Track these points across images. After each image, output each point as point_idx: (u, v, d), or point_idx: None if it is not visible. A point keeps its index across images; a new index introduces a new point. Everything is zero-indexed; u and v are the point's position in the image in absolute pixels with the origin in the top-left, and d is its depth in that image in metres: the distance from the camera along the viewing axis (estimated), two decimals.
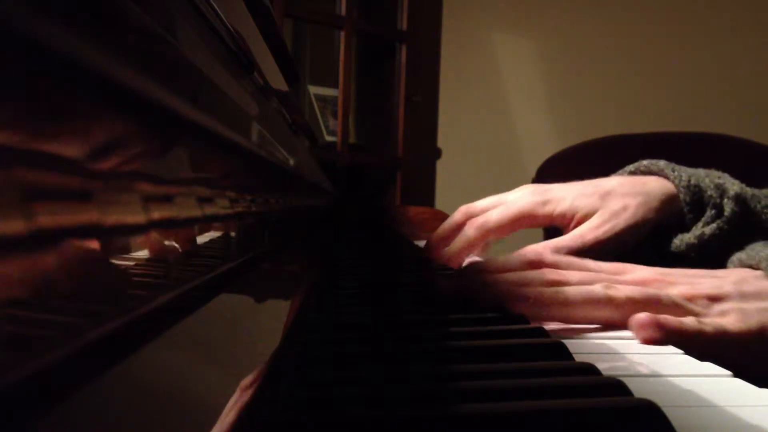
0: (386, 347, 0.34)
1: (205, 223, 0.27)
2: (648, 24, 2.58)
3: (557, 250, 0.64)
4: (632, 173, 0.75)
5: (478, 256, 0.89)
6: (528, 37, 2.58)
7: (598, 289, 0.46)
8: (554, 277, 0.49)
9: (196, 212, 0.25)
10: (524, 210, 0.73)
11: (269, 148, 0.46)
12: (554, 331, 0.43)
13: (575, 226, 0.71)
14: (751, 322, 0.45)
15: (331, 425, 0.22)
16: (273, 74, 0.52)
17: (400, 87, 2.14)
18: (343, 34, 1.97)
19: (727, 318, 0.45)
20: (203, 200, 0.27)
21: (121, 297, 0.18)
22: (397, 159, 2.15)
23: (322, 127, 2.18)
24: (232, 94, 0.32)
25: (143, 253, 0.19)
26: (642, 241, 0.67)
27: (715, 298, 0.47)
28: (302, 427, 0.22)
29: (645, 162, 0.75)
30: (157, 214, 0.20)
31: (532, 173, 1.95)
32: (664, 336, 0.41)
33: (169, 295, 0.21)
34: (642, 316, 0.42)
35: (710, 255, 0.60)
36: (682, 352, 0.38)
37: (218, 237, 0.30)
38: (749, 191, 0.68)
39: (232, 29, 0.34)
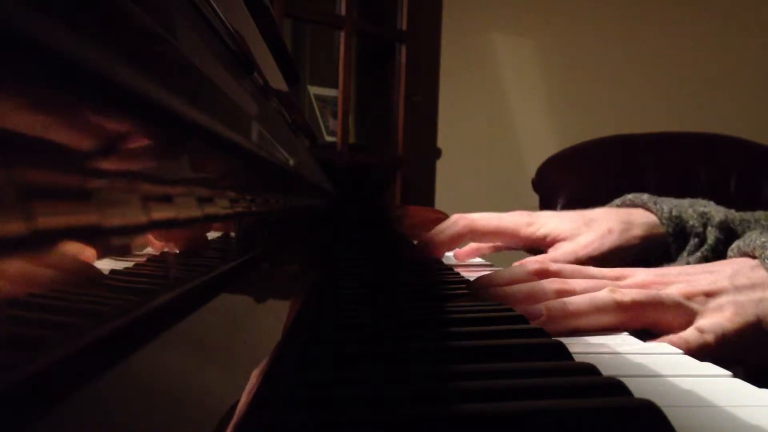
0: (386, 347, 0.34)
1: (205, 223, 0.27)
2: (648, 24, 2.58)
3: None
4: (618, 207, 0.79)
5: (480, 257, 0.91)
6: (528, 37, 2.58)
7: (604, 294, 0.46)
8: (561, 287, 0.49)
9: (196, 212, 0.25)
10: (509, 224, 0.77)
11: (269, 148, 0.46)
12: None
13: (557, 245, 0.73)
14: (747, 314, 0.47)
15: (331, 425, 0.22)
16: (273, 74, 0.52)
17: (400, 87, 2.14)
18: (343, 34, 1.97)
19: (724, 313, 0.47)
20: (203, 200, 0.27)
21: (121, 297, 0.18)
22: (397, 159, 2.15)
23: (322, 127, 2.18)
24: (232, 94, 0.32)
25: (143, 253, 0.19)
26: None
27: (711, 294, 0.49)
28: (302, 427, 0.22)
29: (629, 196, 0.79)
30: (157, 214, 0.20)
31: (532, 173, 1.94)
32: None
33: (169, 295, 0.21)
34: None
35: None
36: (681, 352, 0.38)
37: (218, 237, 0.30)
38: (737, 216, 0.70)
39: (232, 29, 0.34)
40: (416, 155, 2.19)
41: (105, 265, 0.16)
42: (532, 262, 0.56)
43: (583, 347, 0.39)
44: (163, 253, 0.21)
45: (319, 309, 0.45)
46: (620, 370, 0.34)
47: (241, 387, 0.21)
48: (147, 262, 0.19)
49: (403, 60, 2.13)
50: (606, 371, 0.28)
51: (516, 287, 0.50)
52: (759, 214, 0.70)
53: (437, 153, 2.32)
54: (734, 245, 0.57)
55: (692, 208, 0.71)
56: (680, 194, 0.77)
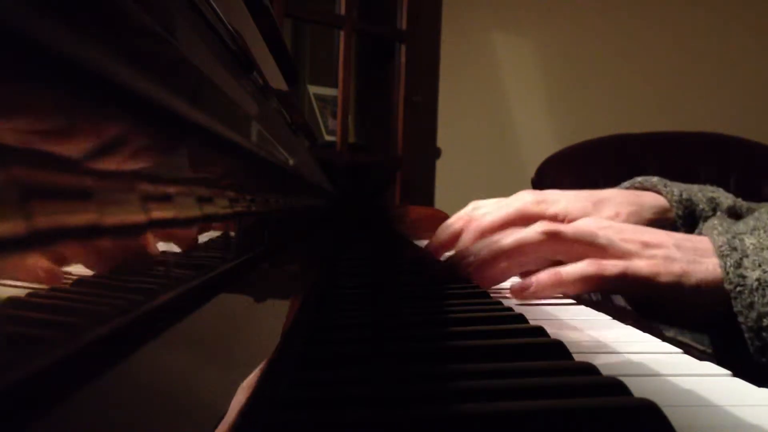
0: (386, 347, 0.34)
1: (205, 223, 0.27)
2: (648, 24, 2.58)
3: None
4: (627, 189, 0.78)
5: None
6: (528, 37, 2.58)
7: (532, 230, 0.53)
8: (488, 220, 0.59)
9: (196, 212, 0.25)
10: (517, 209, 0.75)
11: (269, 148, 0.46)
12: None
13: None
14: (673, 266, 0.51)
15: (331, 425, 0.22)
16: (273, 74, 0.52)
17: (400, 87, 2.14)
18: (343, 34, 1.97)
19: (651, 261, 0.51)
20: (203, 200, 0.27)
21: (121, 297, 0.18)
22: (397, 159, 2.15)
23: (322, 127, 2.18)
24: (232, 94, 0.32)
25: (143, 253, 0.19)
26: None
27: (648, 244, 0.53)
28: (302, 427, 0.22)
29: (639, 179, 0.78)
30: (157, 214, 0.20)
31: (532, 173, 1.95)
32: (538, 294, 0.49)
33: (169, 295, 0.21)
34: (513, 285, 0.51)
35: None
36: (681, 351, 0.38)
37: (218, 237, 0.30)
38: (745, 205, 0.70)
39: (232, 29, 0.34)
40: (416, 155, 2.19)
41: (105, 264, 0.16)
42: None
43: (582, 347, 0.39)
44: (162, 253, 0.21)
45: (319, 309, 0.45)
46: (620, 370, 0.34)
47: (240, 387, 0.21)
48: (147, 262, 0.19)
49: (403, 60, 2.13)
50: (606, 371, 0.28)
51: (461, 248, 0.56)
52: (765, 205, 0.70)
53: (437, 153, 2.32)
54: (696, 231, 0.62)
55: (701, 193, 0.71)
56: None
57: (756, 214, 0.60)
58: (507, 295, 0.55)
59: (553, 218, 0.73)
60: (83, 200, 0.15)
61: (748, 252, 0.52)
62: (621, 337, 0.43)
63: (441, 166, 2.35)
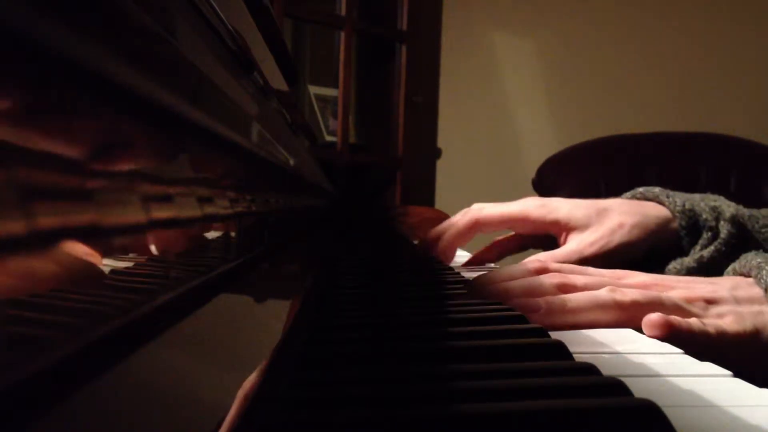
0: (386, 347, 0.34)
1: (205, 223, 0.27)
2: (648, 24, 2.58)
3: (556, 261, 0.65)
4: (629, 198, 0.77)
5: (489, 260, 0.89)
6: (528, 37, 2.58)
7: (604, 293, 0.47)
8: (561, 281, 0.50)
9: (196, 212, 0.25)
10: (519, 209, 0.75)
11: (269, 148, 0.45)
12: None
13: (567, 237, 0.72)
14: (747, 324, 0.47)
15: (331, 425, 0.22)
16: (273, 74, 0.52)
17: (400, 87, 2.14)
18: (343, 34, 1.97)
19: (725, 319, 0.47)
20: (203, 200, 0.27)
21: (120, 297, 0.18)
22: (397, 159, 2.15)
23: (322, 127, 2.18)
24: (232, 94, 0.32)
25: (143, 253, 0.19)
26: (638, 263, 0.68)
27: (711, 301, 0.49)
28: (302, 427, 0.22)
29: (640, 189, 0.77)
30: (157, 214, 0.20)
31: (532, 173, 1.95)
32: (673, 334, 0.43)
33: (169, 295, 0.21)
34: (654, 317, 0.44)
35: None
36: (681, 351, 0.38)
37: (218, 237, 0.30)
38: (746, 212, 0.69)
39: (232, 29, 0.34)
40: (416, 155, 2.19)
41: (105, 265, 0.16)
42: (533, 261, 0.56)
43: (583, 347, 0.39)
44: (163, 253, 0.21)
45: (319, 309, 0.45)
46: (620, 370, 0.34)
47: (240, 387, 0.21)
48: (147, 262, 0.19)
49: (403, 60, 2.13)
50: (606, 371, 0.28)
51: (515, 282, 0.50)
52: (766, 211, 0.70)
53: (437, 153, 2.32)
54: (730, 267, 0.57)
55: (704, 202, 0.70)
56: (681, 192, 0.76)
57: None
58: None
59: (554, 224, 0.73)
60: (83, 200, 0.15)
61: None
62: (621, 337, 0.43)
63: (441, 166, 2.35)
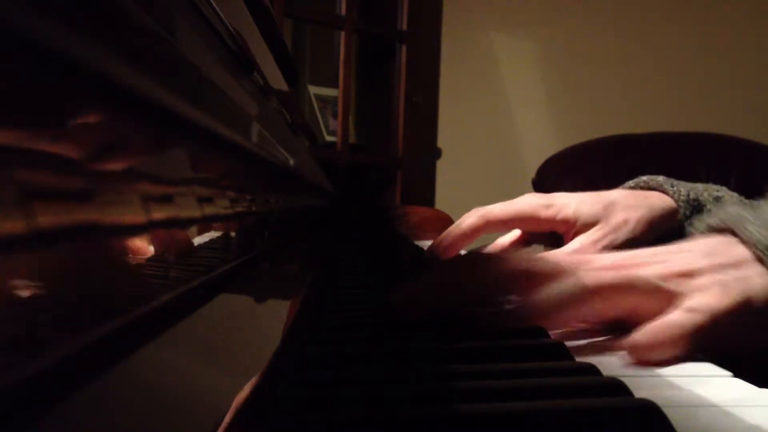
0: (386, 347, 0.34)
1: (205, 223, 0.27)
2: (648, 24, 2.58)
3: None
4: (632, 188, 0.76)
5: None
6: (528, 37, 2.58)
7: (569, 283, 0.42)
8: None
9: (196, 212, 0.25)
10: (527, 209, 0.74)
11: (269, 148, 0.45)
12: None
13: (575, 234, 0.72)
14: (734, 293, 0.41)
15: (331, 425, 0.22)
16: (273, 74, 0.52)
17: (400, 87, 2.14)
18: (343, 34, 1.97)
19: (710, 293, 0.41)
20: (203, 200, 0.27)
21: (121, 297, 0.17)
22: (397, 159, 2.15)
23: (322, 127, 2.18)
24: (232, 94, 0.32)
25: (143, 253, 0.19)
26: None
27: (688, 274, 0.43)
28: (302, 427, 0.22)
29: (644, 177, 0.76)
30: (157, 214, 0.20)
31: (532, 173, 1.94)
32: (662, 350, 0.38)
33: (169, 295, 0.21)
34: (638, 340, 0.38)
35: None
36: None
37: (218, 237, 0.30)
38: (748, 203, 0.69)
39: (232, 29, 0.34)
40: (416, 155, 2.19)
41: (105, 265, 0.16)
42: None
43: (583, 348, 0.39)
44: (163, 253, 0.21)
45: (319, 309, 0.45)
46: (620, 370, 0.34)
47: (241, 387, 0.21)
48: (147, 262, 0.19)
49: (403, 60, 2.13)
50: (606, 371, 0.28)
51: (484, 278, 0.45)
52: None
53: (437, 153, 2.32)
54: (701, 222, 0.51)
55: (707, 192, 0.70)
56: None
57: None
58: None
59: (563, 223, 0.73)
60: (83, 200, 0.15)
61: None
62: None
63: (441, 166, 2.35)
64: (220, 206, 0.30)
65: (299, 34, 2.42)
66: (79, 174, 0.15)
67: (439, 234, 0.82)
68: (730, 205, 0.51)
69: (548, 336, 0.36)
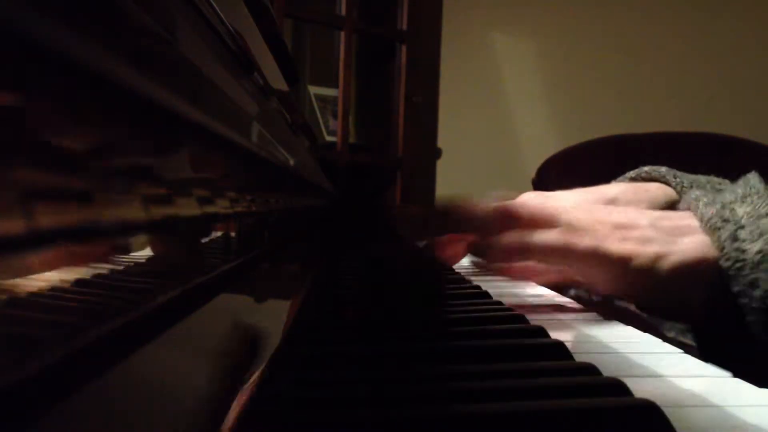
0: (386, 347, 0.34)
1: (206, 224, 0.27)
2: (648, 24, 2.58)
3: None
4: (633, 179, 0.76)
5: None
6: (528, 37, 2.58)
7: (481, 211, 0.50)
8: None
9: (196, 212, 0.25)
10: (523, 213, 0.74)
11: (269, 148, 0.45)
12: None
13: None
14: (647, 249, 0.46)
15: (331, 425, 0.22)
16: (273, 74, 0.52)
17: (400, 87, 2.14)
18: (343, 34, 1.97)
19: (622, 243, 0.46)
20: (203, 200, 0.27)
21: (121, 297, 0.17)
22: (397, 159, 2.15)
23: (322, 127, 2.18)
24: (232, 94, 0.32)
25: (143, 253, 0.19)
26: None
27: (621, 227, 0.48)
28: (302, 427, 0.22)
29: (646, 168, 0.75)
30: (157, 214, 0.20)
31: (532, 173, 1.95)
32: (501, 255, 0.48)
33: (169, 295, 0.21)
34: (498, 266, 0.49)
35: None
36: (681, 351, 0.38)
37: (218, 237, 0.30)
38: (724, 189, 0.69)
39: (232, 29, 0.34)
40: (416, 155, 2.19)
41: (105, 264, 0.16)
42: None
43: (583, 348, 0.39)
44: (163, 253, 0.21)
45: (319, 309, 0.45)
46: (620, 370, 0.34)
47: (241, 387, 0.21)
48: (147, 262, 0.19)
49: (403, 60, 2.13)
50: (606, 371, 0.28)
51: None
52: None
53: (437, 153, 2.32)
54: (682, 204, 0.56)
55: (710, 184, 0.70)
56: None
57: (741, 180, 0.54)
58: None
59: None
60: (83, 200, 0.15)
61: (743, 222, 0.46)
62: (621, 337, 0.43)
63: (441, 166, 2.35)
64: (220, 206, 0.30)
65: (299, 34, 2.42)
66: (79, 174, 0.15)
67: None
68: (696, 189, 0.55)
69: (548, 336, 0.36)
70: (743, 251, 0.44)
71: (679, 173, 0.72)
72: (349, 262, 0.83)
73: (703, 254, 0.46)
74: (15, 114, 0.12)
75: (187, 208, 0.24)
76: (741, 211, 0.46)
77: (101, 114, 0.16)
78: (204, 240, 0.27)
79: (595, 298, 0.64)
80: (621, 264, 0.46)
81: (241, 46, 0.36)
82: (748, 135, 1.93)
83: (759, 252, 0.43)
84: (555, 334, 0.36)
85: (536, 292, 0.61)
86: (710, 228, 0.46)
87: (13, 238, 0.11)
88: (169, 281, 0.22)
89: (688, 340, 0.58)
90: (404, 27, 2.13)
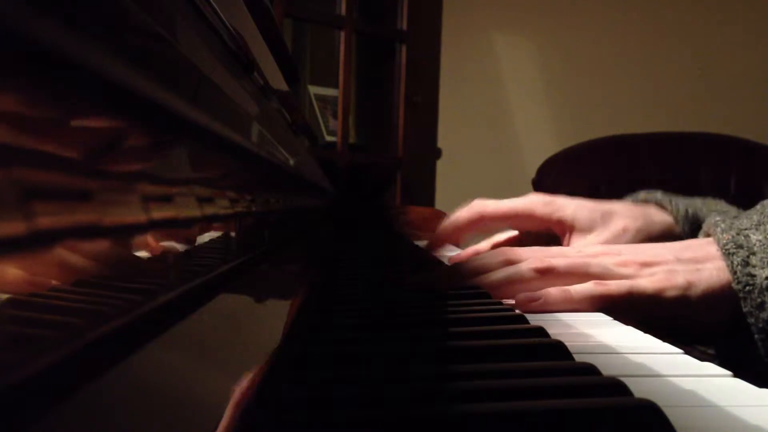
0: (386, 347, 0.34)
1: (205, 223, 0.27)
2: (648, 24, 2.58)
3: None
4: (632, 203, 0.77)
5: None
6: (528, 37, 2.58)
7: (521, 268, 0.52)
8: (508, 257, 0.54)
9: (196, 212, 0.25)
10: (525, 205, 0.74)
11: (269, 148, 0.45)
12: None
13: (571, 237, 0.72)
14: (676, 279, 0.50)
15: (331, 425, 0.22)
16: (273, 74, 0.52)
17: (400, 87, 2.14)
18: (343, 34, 1.97)
19: (651, 278, 0.50)
20: (203, 200, 0.27)
21: (121, 297, 0.18)
22: (397, 159, 2.15)
23: (322, 127, 2.18)
24: (232, 94, 0.32)
25: (143, 253, 0.19)
26: None
27: (648, 264, 0.51)
28: (302, 427, 0.22)
29: (642, 193, 0.77)
30: (157, 214, 0.20)
31: (532, 173, 1.95)
32: (541, 306, 0.48)
33: (169, 295, 0.21)
34: (522, 296, 0.49)
35: None
36: (682, 351, 0.38)
37: (218, 237, 0.30)
38: (738, 213, 0.70)
39: (232, 29, 0.34)
40: (416, 155, 2.19)
41: (105, 264, 0.16)
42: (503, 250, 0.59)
43: (583, 348, 0.39)
44: (163, 253, 0.21)
45: (319, 309, 0.45)
46: (620, 370, 0.34)
47: (241, 387, 0.21)
48: (147, 262, 0.19)
49: (403, 60, 2.13)
50: (606, 371, 0.28)
51: (495, 275, 0.55)
52: (763, 204, 0.70)
53: (437, 153, 2.32)
54: (701, 230, 0.59)
55: (706, 208, 0.71)
56: (681, 195, 0.76)
57: (758, 206, 0.58)
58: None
59: (558, 223, 0.73)
60: (84, 200, 0.15)
61: (755, 249, 0.50)
62: (621, 337, 0.43)
63: (441, 166, 2.35)
64: (220, 206, 0.30)
65: (299, 34, 2.42)
66: (79, 174, 0.15)
67: None
68: (715, 213, 0.58)
69: (548, 336, 0.36)
70: (753, 276, 0.49)
71: (674, 197, 0.74)
72: (349, 261, 0.83)
73: (720, 279, 0.50)
74: (15, 114, 0.12)
75: (187, 207, 0.24)
76: (754, 238, 0.51)
77: (101, 114, 0.16)
78: (204, 240, 0.27)
79: None
80: (655, 298, 0.49)
81: (241, 46, 0.36)
82: (748, 135, 1.93)
83: (767, 278, 0.48)
84: (555, 334, 0.36)
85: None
86: (725, 253, 0.51)
87: (13, 238, 0.11)
88: (169, 281, 0.22)
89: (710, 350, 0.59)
90: (404, 27, 2.13)
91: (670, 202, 0.72)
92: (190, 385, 0.19)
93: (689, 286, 0.50)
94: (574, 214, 0.72)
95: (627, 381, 0.26)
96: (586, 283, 0.50)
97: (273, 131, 0.47)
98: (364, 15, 2.18)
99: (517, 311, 0.45)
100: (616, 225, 0.70)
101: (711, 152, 1.82)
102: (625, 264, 0.51)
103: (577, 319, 0.49)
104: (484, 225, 0.78)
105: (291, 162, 0.60)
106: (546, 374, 0.28)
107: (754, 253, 0.50)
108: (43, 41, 0.12)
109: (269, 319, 0.33)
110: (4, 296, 0.11)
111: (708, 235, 0.56)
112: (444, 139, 2.35)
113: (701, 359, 0.36)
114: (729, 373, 0.33)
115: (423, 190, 2.28)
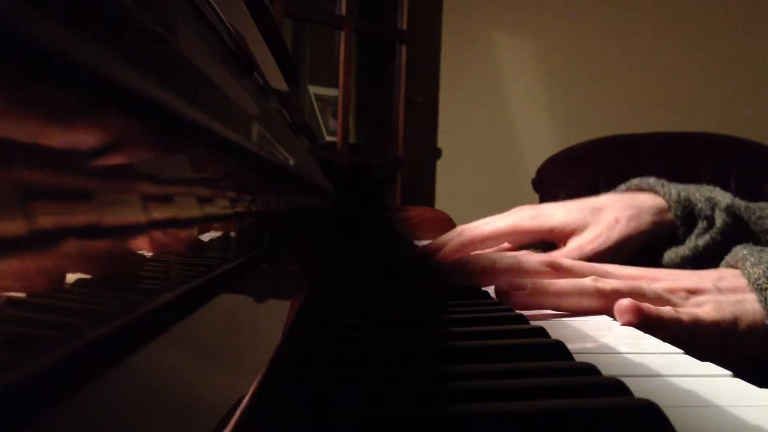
0: (386, 347, 0.34)
1: (205, 223, 0.27)
2: (648, 24, 2.58)
3: None
4: (622, 192, 0.78)
5: None
6: (528, 37, 2.58)
7: (588, 281, 0.50)
8: (548, 259, 0.53)
9: (196, 212, 0.25)
10: (512, 224, 0.75)
11: (269, 148, 0.45)
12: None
13: (567, 240, 0.72)
14: (725, 312, 0.50)
15: (331, 425, 0.22)
16: (273, 74, 0.52)
17: (400, 87, 2.14)
18: (343, 34, 1.97)
19: (704, 308, 0.50)
20: (203, 200, 0.27)
21: (121, 297, 0.17)
22: (397, 159, 2.15)
23: (322, 127, 2.18)
24: (232, 94, 0.32)
25: (143, 253, 0.19)
26: (636, 256, 0.69)
27: (693, 291, 0.52)
28: (302, 427, 0.22)
29: (635, 180, 0.78)
30: (157, 214, 0.20)
31: (532, 173, 1.94)
32: (643, 321, 0.46)
33: (169, 295, 0.21)
34: (624, 302, 0.47)
35: (704, 267, 0.62)
36: (681, 351, 0.38)
37: (218, 237, 0.30)
38: (743, 204, 0.70)
39: (232, 29, 0.34)
40: (416, 155, 2.19)
41: (105, 264, 0.16)
42: (541, 255, 0.59)
43: (583, 348, 0.39)
44: (163, 253, 0.21)
45: (319, 309, 0.45)
46: (620, 370, 0.34)
47: (240, 387, 0.21)
48: (147, 262, 0.19)
49: (403, 60, 2.13)
50: (606, 371, 0.28)
51: (503, 258, 0.55)
52: (762, 204, 0.71)
53: (437, 153, 2.32)
54: (724, 260, 0.59)
55: (699, 192, 0.71)
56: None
57: None
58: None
59: (550, 232, 0.74)
60: (83, 200, 0.15)
61: None
62: (621, 337, 0.43)
63: (441, 166, 2.35)
64: (220, 206, 0.30)
65: (299, 34, 2.42)
66: (79, 174, 0.15)
67: (439, 234, 0.82)
68: (742, 246, 0.59)
69: (548, 336, 0.36)
70: None
71: (667, 183, 0.74)
72: (349, 262, 0.83)
73: (759, 311, 0.51)
74: (15, 114, 0.12)
75: (187, 208, 0.24)
76: None
77: (101, 113, 0.16)
78: (204, 240, 0.27)
79: None
80: (713, 328, 0.49)
81: (241, 46, 0.36)
82: (748, 135, 1.93)
83: None
84: (555, 335, 0.36)
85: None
86: (757, 288, 0.52)
87: (13, 238, 0.11)
88: (169, 281, 0.22)
89: None
90: (404, 27, 2.13)
91: (663, 186, 0.73)
92: (190, 385, 0.19)
93: (736, 319, 0.50)
94: (564, 219, 0.73)
95: (627, 381, 0.26)
96: (664, 307, 0.49)
97: (273, 131, 0.47)
98: (364, 15, 2.18)
99: (517, 311, 0.45)
100: (608, 217, 0.71)
101: (711, 152, 1.81)
102: (672, 291, 0.52)
103: (577, 319, 0.49)
104: (474, 250, 0.78)
105: (291, 162, 0.60)
106: (546, 374, 0.28)
107: None
108: (43, 41, 0.12)
109: (269, 319, 0.33)
110: (4, 296, 0.11)
111: (730, 266, 0.56)
112: (444, 139, 2.35)
113: (701, 359, 0.36)
114: (729, 373, 0.33)
115: (423, 190, 2.28)
